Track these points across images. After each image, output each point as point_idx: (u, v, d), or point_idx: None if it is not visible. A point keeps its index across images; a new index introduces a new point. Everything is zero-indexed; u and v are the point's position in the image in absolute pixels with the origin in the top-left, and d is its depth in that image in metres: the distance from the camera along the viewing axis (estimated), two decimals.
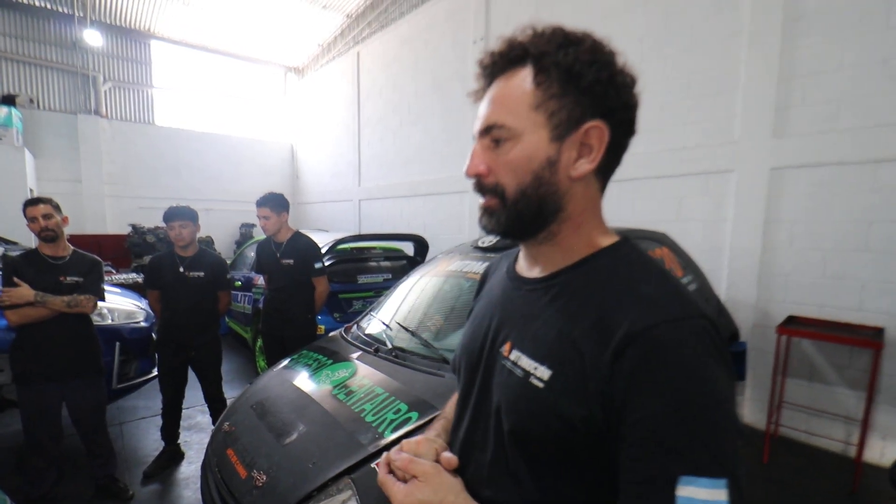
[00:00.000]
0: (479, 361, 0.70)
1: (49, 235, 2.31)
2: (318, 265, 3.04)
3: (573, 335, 0.56)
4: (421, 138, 6.98)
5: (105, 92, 9.26)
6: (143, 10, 8.79)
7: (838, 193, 3.05)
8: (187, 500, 2.55)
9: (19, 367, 2.28)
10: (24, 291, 2.17)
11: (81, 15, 8.58)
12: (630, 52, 4.14)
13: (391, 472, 0.67)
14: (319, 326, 3.76)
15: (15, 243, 4.66)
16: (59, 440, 2.40)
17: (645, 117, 3.93)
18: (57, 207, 2.37)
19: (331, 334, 2.63)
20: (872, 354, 2.74)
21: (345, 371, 2.03)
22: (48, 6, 8.42)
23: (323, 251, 3.86)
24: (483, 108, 0.63)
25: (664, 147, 3.87)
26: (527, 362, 0.60)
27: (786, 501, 2.57)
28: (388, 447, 1.49)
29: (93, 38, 8.69)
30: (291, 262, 2.97)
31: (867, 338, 2.76)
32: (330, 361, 2.18)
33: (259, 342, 4.25)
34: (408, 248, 5.09)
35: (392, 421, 1.60)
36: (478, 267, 2.34)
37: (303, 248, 3.03)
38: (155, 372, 3.16)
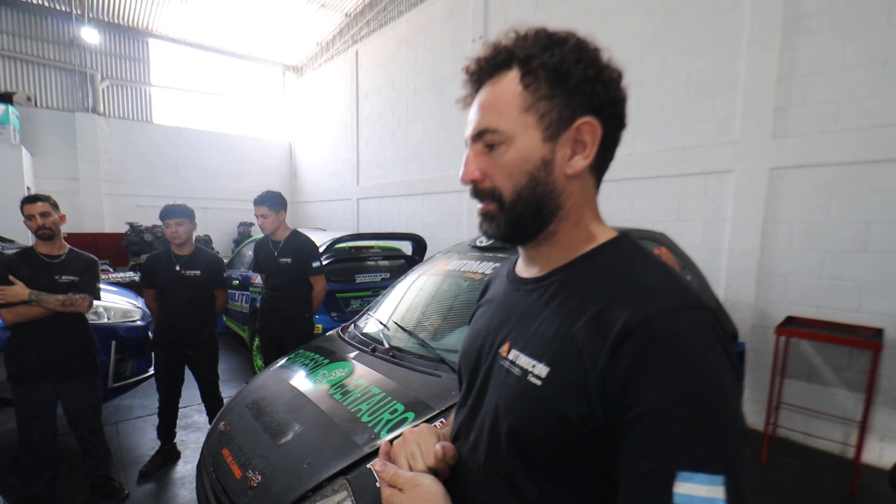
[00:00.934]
0: (479, 365, 0.70)
1: (46, 234, 2.30)
2: (315, 264, 3.02)
3: (572, 331, 0.55)
4: (419, 137, 6.97)
5: (103, 90, 9.22)
6: (142, 7, 8.76)
7: (837, 194, 3.04)
8: (183, 500, 2.54)
9: (14, 365, 2.26)
10: (19, 290, 2.16)
11: (79, 12, 8.55)
12: (630, 51, 4.15)
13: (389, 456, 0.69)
14: (317, 325, 3.75)
15: (12, 241, 4.63)
16: (54, 439, 2.38)
17: (644, 117, 3.96)
18: (55, 205, 2.35)
19: (328, 333, 2.62)
20: (871, 355, 2.74)
21: (341, 371, 2.01)
22: (45, 3, 8.38)
23: (321, 250, 3.85)
24: (473, 113, 0.63)
25: (663, 147, 3.86)
26: (525, 360, 0.59)
27: (784, 503, 2.57)
28: None
29: (90, 35, 8.65)
30: (289, 260, 2.96)
31: (866, 339, 2.75)
32: (326, 361, 2.16)
33: (256, 341, 4.23)
34: (406, 248, 5.07)
35: (388, 421, 1.58)
36: (476, 266, 2.33)
37: (300, 247, 3.02)
38: (151, 371, 3.14)
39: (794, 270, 3.25)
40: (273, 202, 2.96)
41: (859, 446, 2.73)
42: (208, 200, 10.28)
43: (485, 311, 0.77)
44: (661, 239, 2.93)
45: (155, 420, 2.91)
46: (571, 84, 0.57)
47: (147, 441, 3.13)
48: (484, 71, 0.62)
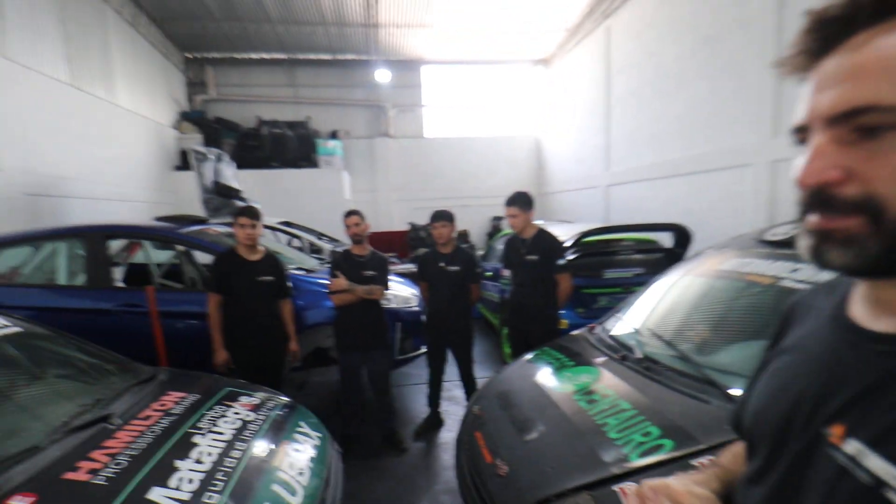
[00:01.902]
0: (785, 439, 0.50)
1: (357, 239, 3.03)
2: (560, 262, 3.00)
3: None
4: (682, 109, 6.06)
5: (390, 117, 11.57)
6: (416, 41, 10.50)
7: None
8: (444, 463, 2.94)
9: (339, 337, 3.07)
10: (341, 282, 2.90)
11: (375, 58, 10.91)
12: None
13: None
14: (562, 321, 3.71)
15: (338, 241, 6.29)
16: (362, 395, 3.16)
17: None
18: (362, 217, 3.07)
19: (573, 333, 2.53)
20: None
21: (587, 376, 1.90)
22: (352, 57, 11.02)
23: (567, 244, 3.78)
24: (828, 80, 0.43)
25: None
26: (878, 465, 0.39)
27: None
28: (633, 473, 1.31)
29: (383, 76, 10.92)
30: (536, 258, 3.02)
31: None
32: (572, 363, 2.09)
33: (504, 330, 4.51)
34: (664, 240, 4.48)
35: (640, 444, 1.39)
36: (764, 268, 1.82)
37: (547, 244, 3.04)
38: (424, 349, 3.74)
39: None
40: (522, 202, 3.07)
41: None
42: (467, 199, 11.62)
43: (792, 360, 0.55)
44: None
45: (426, 389, 3.45)
46: None
47: (419, 406, 3.75)
48: (861, 15, 0.41)
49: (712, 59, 5.47)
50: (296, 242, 6.36)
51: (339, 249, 3.39)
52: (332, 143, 10.01)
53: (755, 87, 4.79)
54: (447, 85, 12.00)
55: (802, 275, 1.63)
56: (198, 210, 5.83)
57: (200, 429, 1.73)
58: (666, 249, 4.33)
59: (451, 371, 3.43)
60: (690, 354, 1.74)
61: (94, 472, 1.38)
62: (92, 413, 1.68)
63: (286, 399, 2.20)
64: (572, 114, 9.66)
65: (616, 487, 1.29)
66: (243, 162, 8.64)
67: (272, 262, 2.91)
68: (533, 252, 3.04)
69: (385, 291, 3.05)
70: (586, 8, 8.89)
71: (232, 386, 2.17)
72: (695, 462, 1.27)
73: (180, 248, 3.91)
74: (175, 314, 3.24)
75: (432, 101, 11.97)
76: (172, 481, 1.42)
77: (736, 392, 1.45)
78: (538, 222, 3.26)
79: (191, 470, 1.49)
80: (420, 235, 9.59)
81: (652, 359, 1.82)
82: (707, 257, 2.23)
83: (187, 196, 7.54)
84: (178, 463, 1.50)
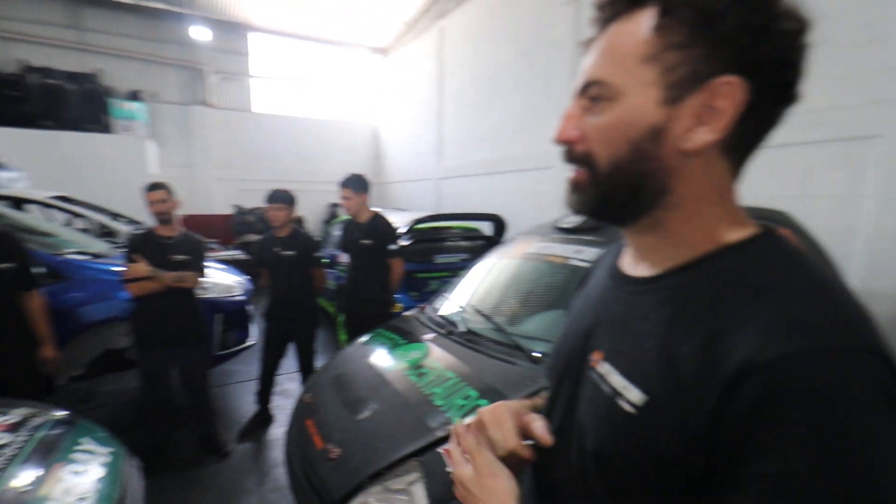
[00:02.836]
0: (568, 367, 0.60)
1: (164, 218, 2.59)
2: (393, 247, 3.07)
3: (678, 355, 0.44)
4: (503, 113, 6.76)
5: (212, 84, 10.15)
6: (242, 1, 9.41)
7: None
8: (274, 461, 2.77)
9: (138, 333, 2.59)
10: (141, 267, 2.44)
11: (191, 13, 9.41)
12: None
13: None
14: (397, 305, 3.82)
15: (140, 223, 5.30)
16: (171, 399, 2.72)
17: None
18: (171, 192, 2.62)
19: (406, 314, 2.64)
20: None
21: (417, 352, 2.01)
22: (162, 7, 9.32)
23: (401, 231, 3.90)
24: (586, 60, 0.51)
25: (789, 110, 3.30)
26: (617, 380, 0.49)
27: None
28: None
29: (201, 33, 9.51)
30: (370, 242, 3.03)
31: None
32: (404, 341, 2.18)
33: (341, 317, 4.44)
34: (486, 228, 4.98)
35: (461, 407, 1.54)
36: (559, 250, 2.18)
37: (380, 229, 3.08)
38: (251, 341, 3.44)
39: None
40: (357, 184, 3.04)
41: None
42: (303, 183, 10.96)
43: (581, 305, 0.66)
44: (781, 219, 2.52)
45: (254, 386, 3.18)
46: (722, 31, 0.42)
47: (245, 404, 3.44)
48: (615, 7, 0.48)
49: (527, 71, 6.23)
50: (80, 223, 5.14)
51: (140, 231, 2.85)
52: (132, 106, 8.27)
53: (557, 100, 5.65)
54: (281, 58, 11.07)
55: (586, 255, 2.00)
56: None
57: None
58: (486, 237, 4.82)
59: (284, 364, 3.23)
60: (504, 325, 1.99)
61: None
62: None
63: (61, 414, 1.78)
64: (409, 107, 9.93)
65: (440, 449, 1.40)
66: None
67: (6, 243, 2.26)
68: (367, 236, 3.05)
69: (200, 279, 2.68)
70: (422, 6, 9.20)
71: None
72: None
73: None
74: None
75: (263, 73, 10.91)
76: None
77: (538, 354, 1.72)
78: (375, 209, 3.28)
79: None
80: (248, 220, 8.70)
81: (473, 332, 2.03)
82: (516, 242, 2.57)
83: None
84: None
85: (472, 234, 4.87)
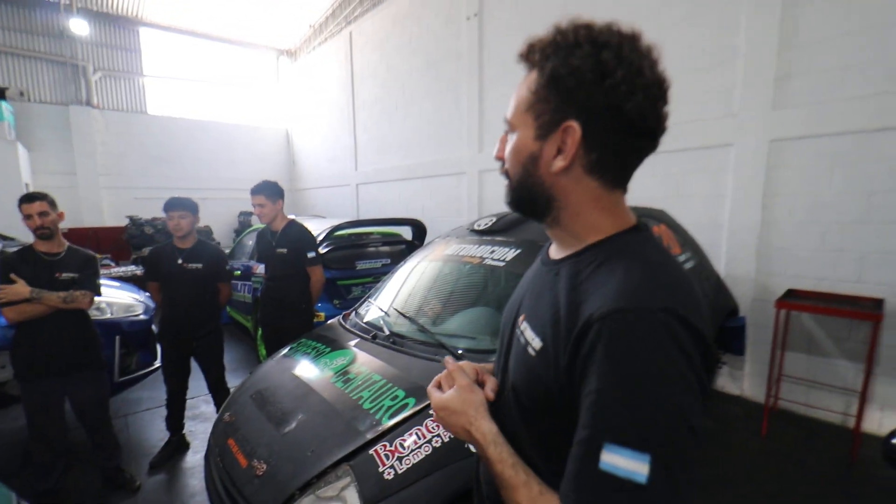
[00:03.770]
0: (505, 328, 0.82)
1: (45, 233, 2.29)
2: (311, 254, 3.02)
3: (560, 315, 0.63)
4: (416, 120, 6.89)
5: (96, 82, 9.12)
6: None
7: (839, 164, 3.00)
8: (193, 489, 2.60)
9: (20, 363, 2.28)
10: (20, 288, 2.16)
11: (67, 2, 8.39)
12: (627, 21, 4.04)
13: (439, 387, 0.80)
14: (319, 314, 3.77)
15: (12, 239, 4.64)
16: (64, 434, 2.41)
17: None
18: (52, 204, 2.33)
19: (329, 322, 2.64)
20: (871, 326, 2.74)
21: (343, 359, 2.03)
22: None
23: (319, 238, 3.85)
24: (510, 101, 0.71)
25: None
26: (529, 333, 0.69)
27: (785, 473, 2.60)
28: (385, 433, 1.50)
29: (79, 26, 8.51)
30: (286, 251, 2.95)
31: (866, 310, 2.75)
32: (328, 349, 2.18)
33: (260, 331, 4.27)
34: (406, 233, 5.06)
35: (389, 407, 1.60)
36: (474, 250, 2.32)
37: (297, 237, 3.01)
38: (157, 364, 3.18)
39: (794, 244, 3.23)
40: (270, 191, 2.95)
41: (859, 416, 2.75)
42: (207, 191, 10.27)
43: (521, 283, 0.86)
44: (659, 216, 2.90)
45: (164, 412, 2.95)
46: (563, 89, 0.60)
47: (156, 433, 3.18)
48: (525, 63, 0.67)
49: (436, 81, 6.43)
50: None
51: (13, 249, 2.52)
52: None
53: (467, 110, 5.91)
54: (181, 58, 10.24)
55: (497, 255, 2.16)
56: None
57: None
58: (407, 241, 4.91)
59: (197, 386, 3.02)
60: (427, 326, 2.08)
61: None
62: None
63: None
64: (322, 112, 9.71)
65: (371, 451, 1.45)
66: None
67: None
68: (284, 245, 2.97)
69: (95, 298, 2.43)
70: (329, 9, 9.08)
71: None
72: (431, 411, 1.55)
73: None
74: None
75: (160, 72, 10.01)
76: None
77: (461, 350, 1.83)
78: (291, 216, 3.21)
79: None
80: (145, 232, 7.93)
81: (398, 334, 2.09)
82: (435, 246, 2.68)
83: None
84: None
85: (394, 239, 4.92)
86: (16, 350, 2.29)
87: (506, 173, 0.71)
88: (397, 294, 2.49)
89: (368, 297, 2.65)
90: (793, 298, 3.07)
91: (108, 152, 9.24)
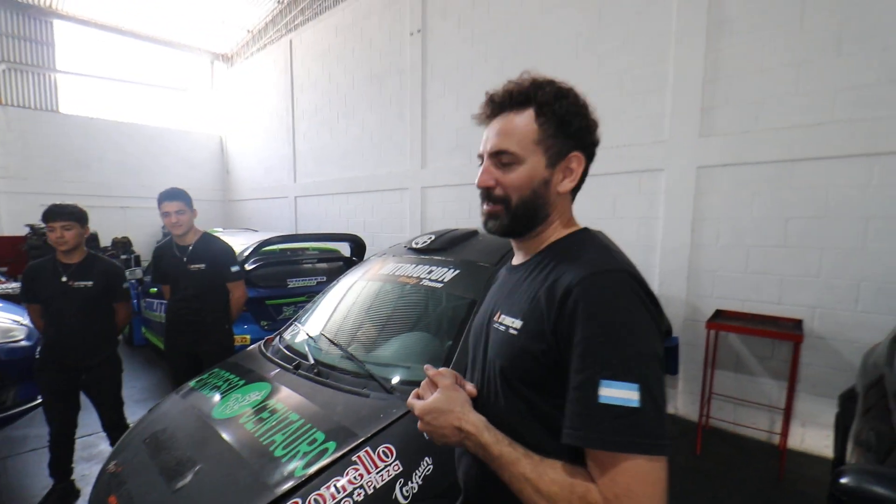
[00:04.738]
0: (479, 332, 0.94)
1: None
2: (235, 269, 2.74)
3: (538, 295, 0.78)
4: (358, 132, 6.70)
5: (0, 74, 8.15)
6: None
7: (759, 192, 3.17)
8: None
9: None
10: None
11: None
12: (565, 48, 4.17)
13: (419, 397, 0.89)
14: (244, 336, 3.45)
15: None
16: None
17: None
18: None
19: (249, 348, 2.36)
20: (792, 346, 2.87)
21: (257, 393, 1.79)
22: None
23: (245, 254, 3.54)
24: (492, 133, 0.85)
25: (599, 145, 3.88)
26: (508, 320, 0.82)
27: (718, 492, 2.63)
28: (299, 487, 1.29)
29: None
30: (202, 266, 2.65)
31: (787, 330, 2.89)
32: (242, 382, 1.92)
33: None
34: (345, 249, 4.81)
35: (306, 454, 1.39)
36: (411, 270, 2.16)
37: (216, 251, 2.72)
38: (39, 399, 2.72)
39: (721, 266, 3.37)
40: (188, 198, 2.67)
41: (784, 432, 2.86)
42: (128, 199, 9.43)
43: (489, 294, 1.00)
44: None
45: (47, 454, 2.51)
46: (572, 130, 0.82)
47: (41, 479, 2.70)
48: (506, 103, 0.84)
49: (379, 94, 6.30)
50: None
51: None
52: None
53: (410, 126, 5.81)
54: (103, 56, 9.39)
55: (436, 275, 2.02)
56: None
57: None
58: (345, 258, 4.66)
59: (92, 420, 2.60)
60: (356, 354, 1.88)
61: None
62: None
63: None
64: (260, 120, 9.25)
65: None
66: None
67: None
68: (198, 260, 2.66)
69: None
70: (269, 15, 8.75)
71: None
72: (354, 457, 1.35)
73: None
74: None
75: (77, 69, 9.11)
76: None
77: (394, 382, 1.66)
78: (217, 230, 2.90)
79: None
80: (47, 243, 7.04)
81: (323, 363, 1.88)
82: (371, 264, 2.50)
83: None
84: None
85: (331, 256, 4.66)
86: None
87: (500, 199, 0.84)
88: (327, 317, 2.27)
89: (295, 320, 2.40)
90: (721, 319, 3.18)
91: (9, 153, 8.23)
